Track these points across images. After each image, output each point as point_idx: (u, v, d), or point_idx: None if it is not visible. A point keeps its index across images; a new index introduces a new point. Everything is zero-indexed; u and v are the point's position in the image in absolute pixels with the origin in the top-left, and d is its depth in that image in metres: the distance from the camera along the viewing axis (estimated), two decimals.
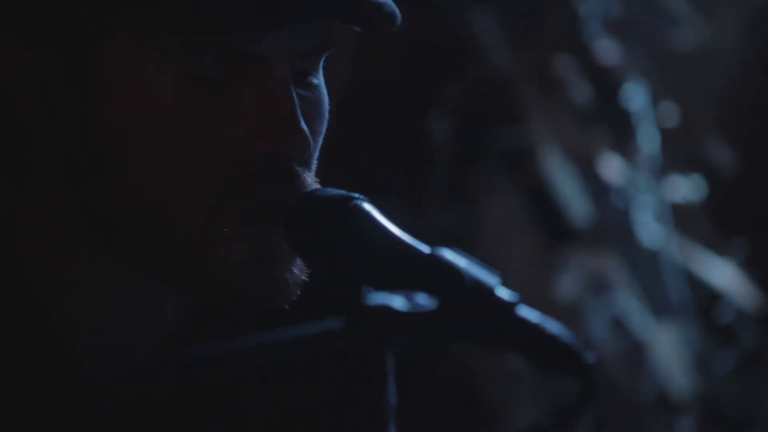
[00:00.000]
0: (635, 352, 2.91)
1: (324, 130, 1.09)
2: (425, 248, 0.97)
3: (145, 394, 0.88)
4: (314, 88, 1.07)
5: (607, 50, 2.96)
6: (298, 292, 1.05)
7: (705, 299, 3.06)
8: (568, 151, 2.90)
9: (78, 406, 0.99)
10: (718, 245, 3.11)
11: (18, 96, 1.04)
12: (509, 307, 0.90)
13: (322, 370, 1.21)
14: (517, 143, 2.84)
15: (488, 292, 0.91)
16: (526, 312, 0.91)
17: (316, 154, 1.09)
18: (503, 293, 0.91)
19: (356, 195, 1.04)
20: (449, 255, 0.94)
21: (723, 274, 3.10)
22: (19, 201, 1.08)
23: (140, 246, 1.04)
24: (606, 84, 2.95)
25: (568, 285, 2.86)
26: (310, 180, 1.06)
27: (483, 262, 0.94)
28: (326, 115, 1.08)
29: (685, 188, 3.14)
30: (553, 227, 2.87)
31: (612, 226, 2.95)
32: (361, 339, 0.84)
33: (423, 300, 0.88)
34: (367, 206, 1.02)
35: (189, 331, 1.11)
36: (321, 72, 1.09)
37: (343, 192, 1.04)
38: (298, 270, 1.05)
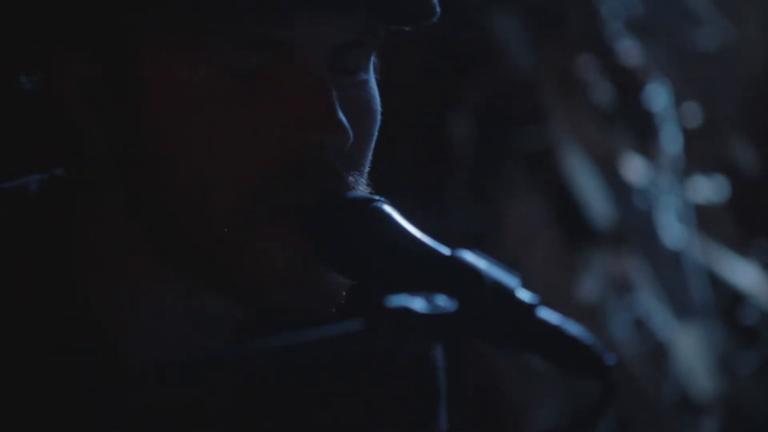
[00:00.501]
0: (657, 353, 2.90)
1: (375, 132, 1.06)
2: (445, 250, 0.97)
3: (170, 395, 0.88)
4: (362, 87, 1.05)
5: (630, 50, 2.95)
6: (344, 296, 1.04)
7: (728, 300, 3.05)
8: (589, 152, 2.89)
9: (115, 404, 0.99)
10: (741, 246, 3.10)
11: (73, 106, 1.06)
12: (529, 308, 0.90)
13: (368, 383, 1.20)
14: (538, 144, 2.83)
15: (508, 293, 0.91)
16: (546, 314, 0.91)
17: (368, 157, 1.06)
18: (523, 295, 0.91)
19: (376, 197, 1.04)
20: (469, 256, 0.94)
21: (746, 275, 3.08)
22: (76, 205, 1.09)
23: (183, 246, 1.04)
24: (628, 84, 2.94)
25: (589, 286, 2.85)
26: (358, 183, 1.04)
27: (504, 263, 0.94)
28: (377, 116, 1.06)
29: (708, 189, 3.13)
30: (574, 228, 2.87)
31: (634, 226, 2.94)
32: (381, 341, 0.84)
33: (443, 302, 0.88)
34: (387, 208, 1.02)
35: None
36: (371, 72, 1.06)
37: (363, 194, 1.04)
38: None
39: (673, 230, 2.99)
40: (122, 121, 1.04)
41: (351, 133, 1.01)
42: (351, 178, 1.03)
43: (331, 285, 1.03)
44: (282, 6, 0.99)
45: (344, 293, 1.04)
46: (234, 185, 1.01)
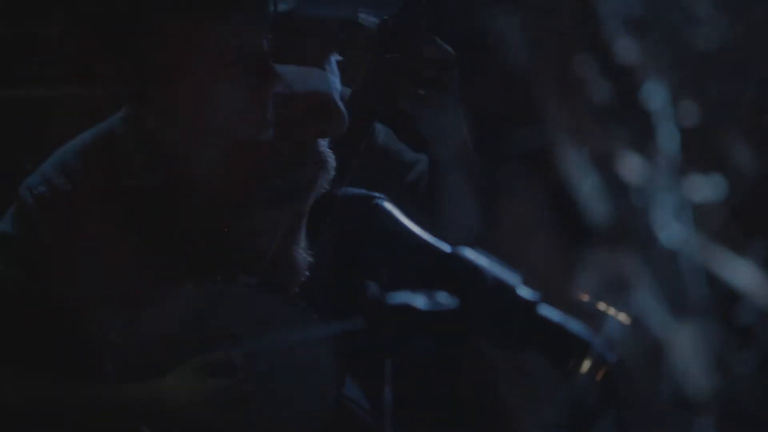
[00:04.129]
0: (654, 352, 2.90)
1: None
2: (446, 247, 0.97)
3: None
4: None
5: (627, 49, 2.95)
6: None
7: (725, 300, 3.05)
8: (587, 151, 2.89)
9: None
10: (738, 245, 3.10)
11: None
12: (530, 305, 0.90)
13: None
14: (535, 142, 2.84)
15: (509, 290, 0.91)
16: (548, 311, 0.91)
17: None
18: (524, 292, 0.91)
19: (377, 194, 1.04)
20: (470, 254, 0.94)
21: (743, 275, 3.08)
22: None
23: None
24: (626, 83, 2.94)
25: (586, 284, 2.85)
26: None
27: (501, 261, 0.94)
28: None
29: (706, 188, 3.13)
30: (571, 227, 2.87)
31: (631, 225, 2.94)
32: (383, 338, 0.84)
33: (444, 299, 0.88)
34: (388, 205, 1.03)
35: None
36: None
37: (364, 191, 1.05)
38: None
39: (670, 229, 2.99)
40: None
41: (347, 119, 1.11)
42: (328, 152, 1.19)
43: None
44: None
45: None
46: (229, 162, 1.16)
